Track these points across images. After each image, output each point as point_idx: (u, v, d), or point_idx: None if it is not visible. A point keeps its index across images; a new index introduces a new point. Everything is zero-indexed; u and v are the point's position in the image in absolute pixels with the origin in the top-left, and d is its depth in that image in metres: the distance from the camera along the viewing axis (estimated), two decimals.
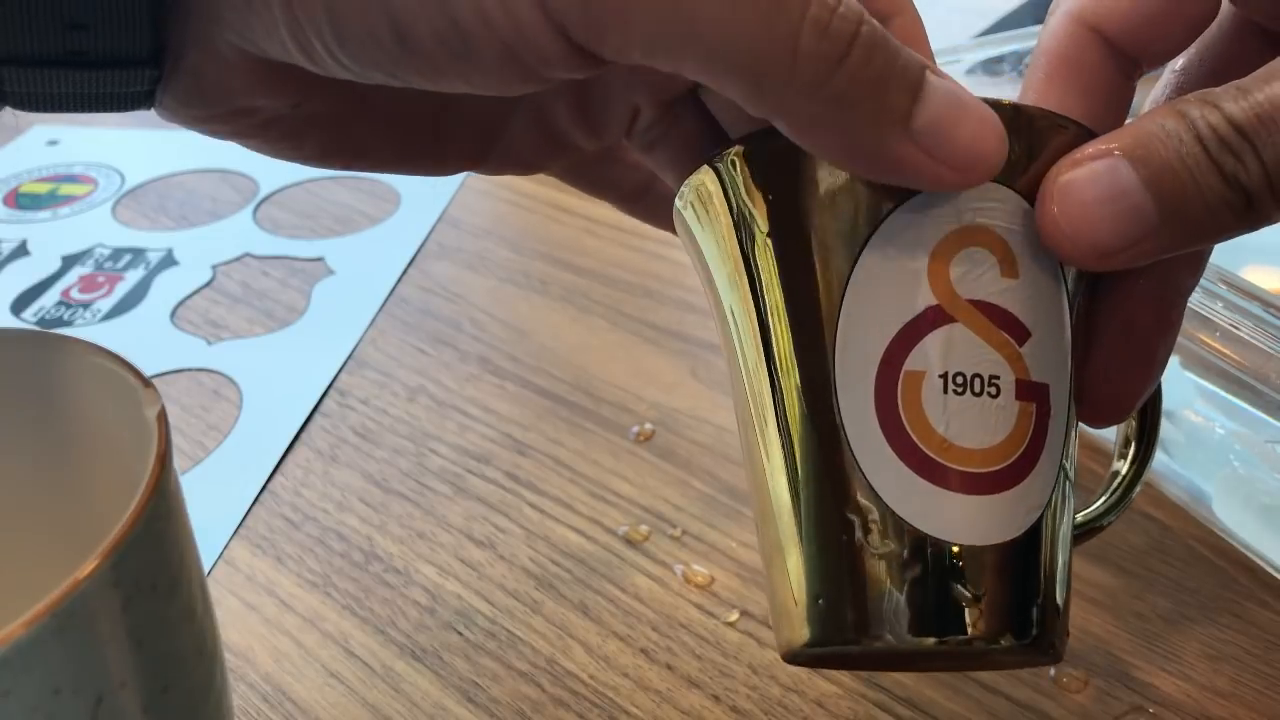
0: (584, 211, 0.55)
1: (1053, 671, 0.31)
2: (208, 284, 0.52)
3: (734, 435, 0.40)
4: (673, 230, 0.26)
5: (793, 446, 0.21)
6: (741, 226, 0.22)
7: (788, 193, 0.21)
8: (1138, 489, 0.27)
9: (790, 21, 0.18)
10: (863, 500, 0.20)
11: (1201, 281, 0.31)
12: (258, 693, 0.32)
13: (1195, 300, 0.31)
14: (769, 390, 0.22)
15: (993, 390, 0.20)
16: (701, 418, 0.41)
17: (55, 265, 0.54)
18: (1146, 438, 0.27)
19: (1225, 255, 0.33)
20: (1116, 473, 0.27)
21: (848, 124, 0.19)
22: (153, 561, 0.20)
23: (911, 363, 0.20)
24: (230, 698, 0.25)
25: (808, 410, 0.21)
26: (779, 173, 0.22)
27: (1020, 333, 0.21)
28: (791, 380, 0.21)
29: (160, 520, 0.20)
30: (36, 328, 0.49)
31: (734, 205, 0.22)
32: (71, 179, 0.63)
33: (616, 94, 0.27)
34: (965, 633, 0.20)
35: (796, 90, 0.19)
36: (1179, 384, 0.36)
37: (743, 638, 0.33)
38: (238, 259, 0.54)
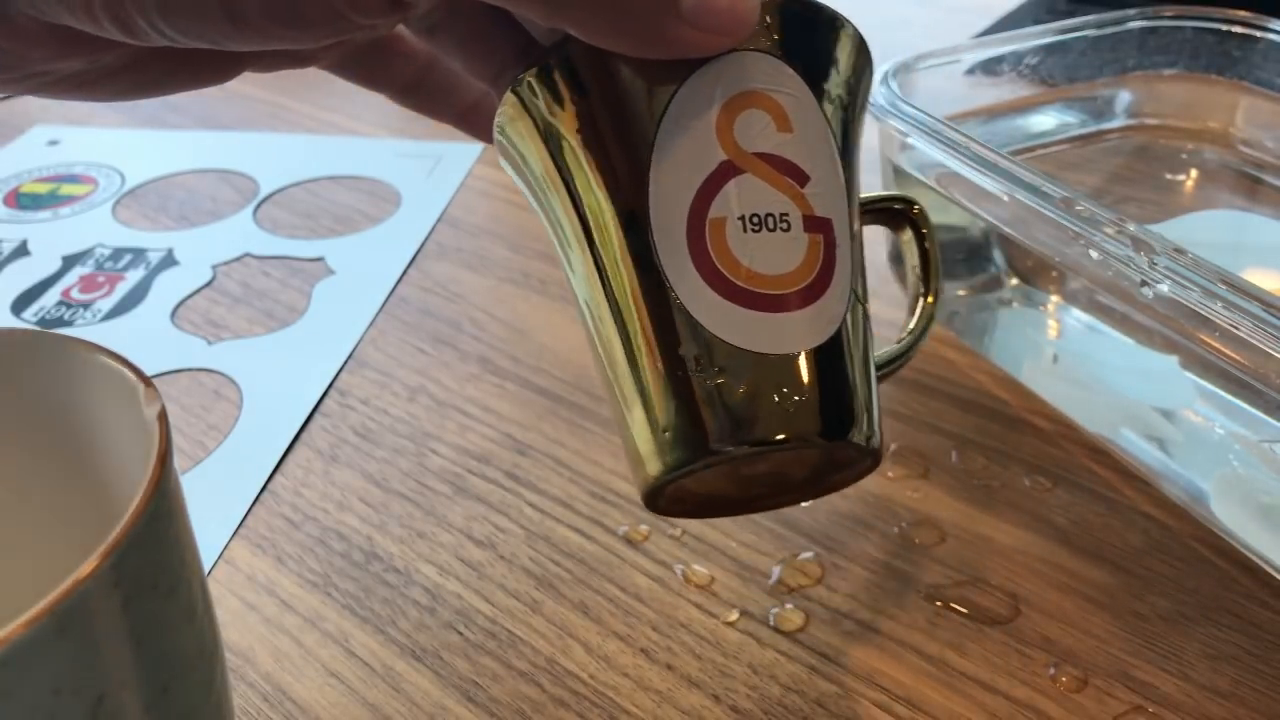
0: None
1: (1052, 670, 0.31)
2: (208, 284, 0.52)
3: None
4: (445, 121, 0.31)
5: (627, 312, 0.25)
6: (550, 138, 0.26)
7: (585, 93, 0.25)
8: (932, 325, 0.31)
9: None
10: (691, 335, 0.24)
11: (1201, 281, 0.31)
12: (258, 692, 0.32)
13: (1195, 300, 0.31)
14: (597, 271, 0.25)
15: (784, 225, 0.24)
16: None
17: (56, 265, 0.54)
18: (931, 278, 0.31)
19: (1225, 255, 0.33)
20: (913, 312, 0.31)
21: (628, 19, 0.23)
22: (153, 561, 0.20)
23: (714, 211, 0.24)
24: (231, 697, 0.25)
25: (635, 274, 0.24)
26: (575, 77, 0.25)
27: (801, 177, 0.24)
28: (616, 253, 0.25)
29: (161, 520, 0.20)
30: (37, 327, 0.49)
31: (540, 121, 0.26)
32: (72, 179, 0.63)
33: None
34: (793, 430, 0.24)
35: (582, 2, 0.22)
36: (1179, 384, 0.36)
37: (743, 638, 0.33)
38: (238, 259, 0.54)
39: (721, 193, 0.24)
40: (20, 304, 0.51)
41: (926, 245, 0.31)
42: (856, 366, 0.25)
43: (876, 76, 0.43)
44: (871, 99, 0.42)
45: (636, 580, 0.35)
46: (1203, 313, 0.31)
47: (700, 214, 0.24)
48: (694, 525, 0.36)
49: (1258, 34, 0.48)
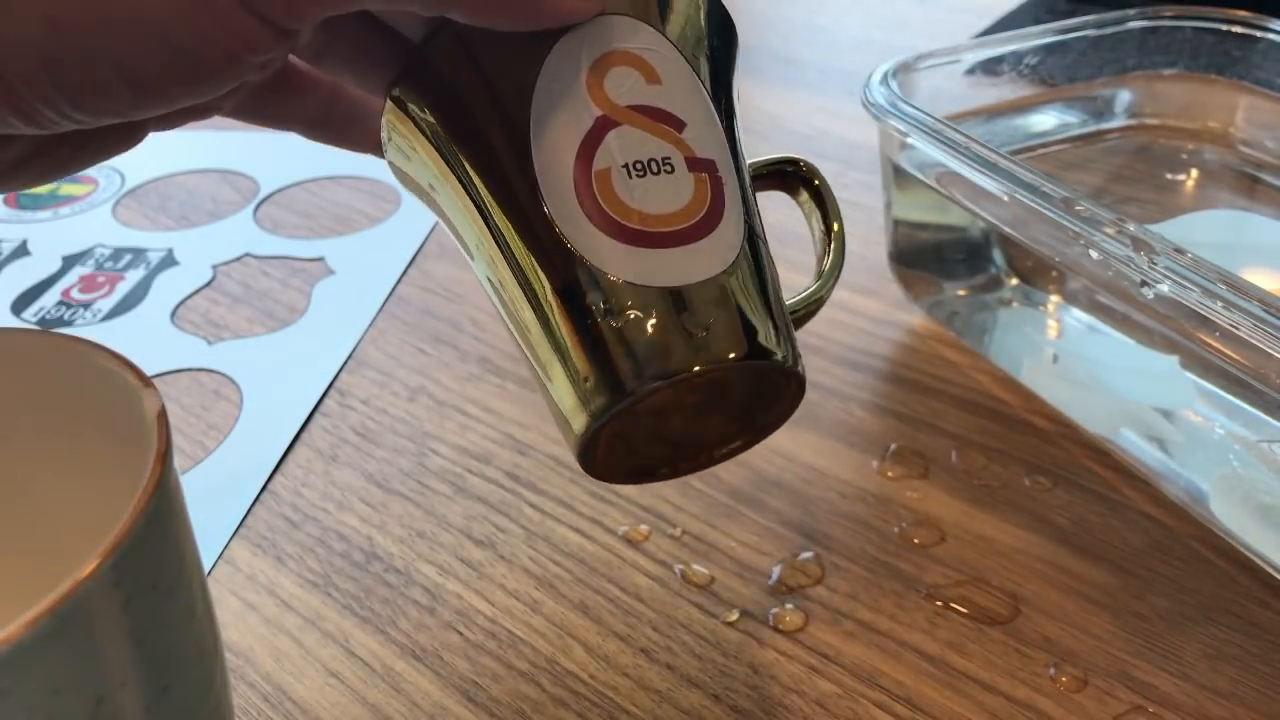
0: None
1: (1052, 670, 0.31)
2: (208, 284, 0.52)
3: None
4: (363, 150, 0.31)
5: (530, 277, 0.25)
6: (433, 132, 0.27)
7: (458, 81, 0.26)
8: (839, 270, 0.31)
9: None
10: (595, 284, 0.24)
11: (1201, 281, 0.31)
12: (258, 692, 0.32)
13: (1195, 300, 0.31)
14: (497, 248, 0.26)
15: (668, 168, 0.25)
16: None
17: (56, 265, 0.54)
18: (830, 223, 0.31)
19: (1225, 255, 0.33)
20: (821, 253, 0.31)
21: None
22: (153, 561, 0.20)
23: (598, 164, 0.25)
24: (231, 697, 0.25)
25: (534, 240, 0.25)
26: (445, 68, 0.26)
27: (676, 123, 0.26)
28: (513, 225, 0.25)
29: (161, 520, 0.20)
30: (37, 327, 0.49)
31: (420, 120, 0.27)
32: (72, 179, 0.63)
33: None
34: (707, 356, 0.24)
35: None
36: (1179, 384, 0.36)
37: (743, 637, 0.33)
38: (238, 259, 0.54)
39: (603, 146, 0.25)
40: (20, 304, 0.51)
41: (822, 192, 0.31)
42: (761, 294, 0.26)
43: (876, 76, 0.43)
44: (871, 99, 0.42)
45: (636, 580, 0.35)
46: (1203, 313, 0.31)
47: (585, 169, 0.25)
48: (694, 525, 0.36)
49: (1258, 34, 0.48)
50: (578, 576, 0.35)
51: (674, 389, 0.25)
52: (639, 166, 0.25)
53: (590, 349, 0.25)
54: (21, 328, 0.48)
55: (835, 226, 0.31)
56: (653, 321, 0.24)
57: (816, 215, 0.31)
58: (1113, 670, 0.31)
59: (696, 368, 0.24)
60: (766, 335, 0.25)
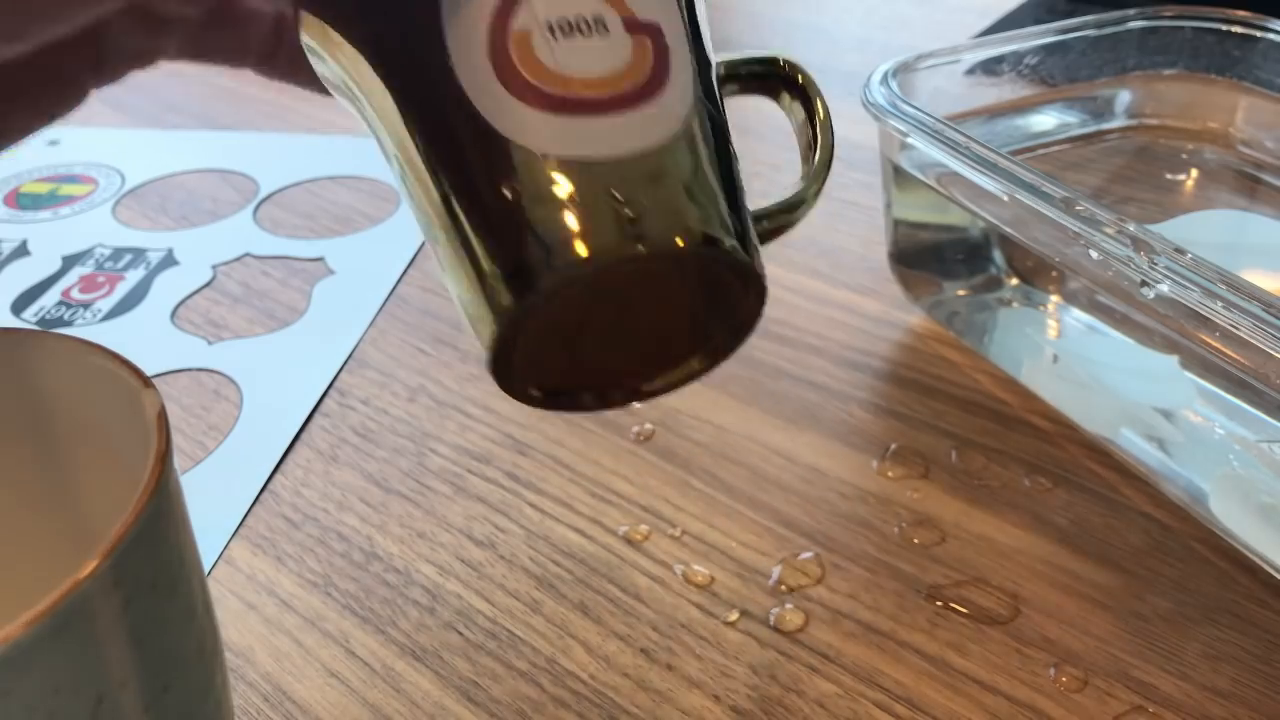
0: None
1: (1052, 670, 0.31)
2: (208, 284, 0.52)
3: (735, 435, 0.40)
4: (312, 90, 0.28)
5: (449, 162, 0.22)
6: (343, 12, 0.24)
7: None
8: (828, 175, 0.28)
9: None
10: (513, 160, 0.21)
11: (1202, 281, 0.31)
12: (258, 692, 0.32)
13: (1196, 300, 0.31)
14: (410, 135, 0.23)
15: (601, 29, 0.22)
16: (702, 418, 0.41)
17: (55, 265, 0.54)
18: (815, 121, 0.28)
19: (1225, 255, 0.33)
20: (805, 156, 0.28)
21: None
22: (153, 561, 0.20)
23: (517, 26, 0.22)
24: (230, 697, 0.25)
25: (439, 110, 0.22)
26: None
27: None
28: (420, 97, 0.22)
29: (160, 520, 0.20)
30: (37, 327, 0.49)
31: (331, 15, 0.24)
32: (72, 179, 0.63)
33: None
34: (640, 237, 0.21)
35: None
36: (1179, 384, 0.36)
37: (743, 638, 0.33)
38: (238, 259, 0.54)
39: (523, 2, 0.22)
40: (20, 304, 0.51)
41: (807, 90, 0.27)
42: (716, 176, 0.23)
43: (876, 76, 0.43)
44: (871, 99, 0.42)
45: (636, 580, 0.35)
46: (1203, 313, 0.31)
47: (501, 32, 0.22)
48: (694, 525, 0.36)
49: (1258, 34, 0.48)
50: (578, 576, 0.35)
51: (599, 283, 0.22)
52: (565, 26, 0.22)
53: (501, 234, 0.22)
54: (21, 328, 0.48)
55: (821, 113, 0.27)
56: (574, 199, 0.21)
57: (801, 113, 0.27)
58: (1113, 670, 0.31)
59: (630, 250, 0.21)
60: (715, 221, 0.22)
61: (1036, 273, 0.42)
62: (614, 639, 0.33)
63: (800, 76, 0.27)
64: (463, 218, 0.22)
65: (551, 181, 0.21)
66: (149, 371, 0.23)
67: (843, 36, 0.76)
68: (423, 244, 0.54)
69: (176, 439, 0.42)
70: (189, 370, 0.46)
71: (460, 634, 0.33)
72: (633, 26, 0.22)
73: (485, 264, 0.22)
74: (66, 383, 0.24)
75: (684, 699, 0.31)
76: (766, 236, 0.26)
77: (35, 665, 0.18)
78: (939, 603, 0.33)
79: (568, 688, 0.31)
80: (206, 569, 0.36)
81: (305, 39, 0.25)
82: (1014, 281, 0.44)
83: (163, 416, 0.22)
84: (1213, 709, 0.30)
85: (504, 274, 0.22)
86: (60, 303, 0.51)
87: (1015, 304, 0.44)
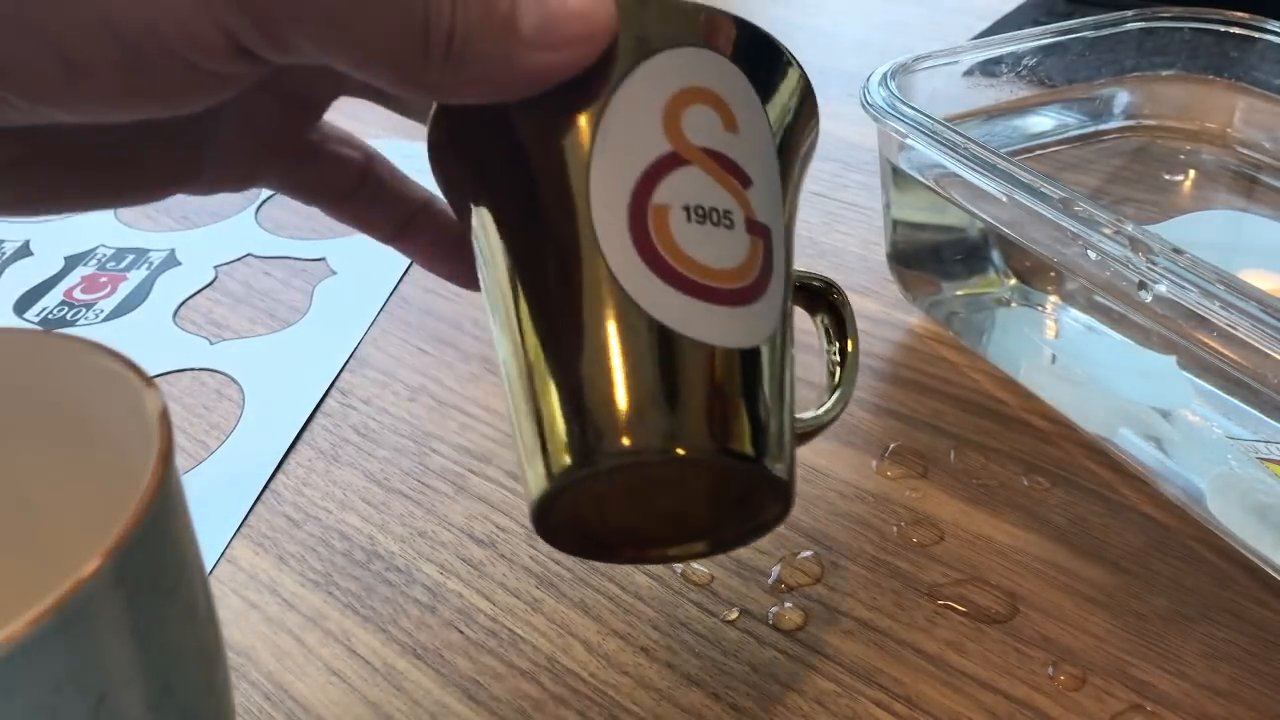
0: None
1: (1050, 669, 0.31)
2: (210, 284, 0.52)
3: None
4: (380, 238, 0.30)
5: (556, 298, 0.23)
6: (487, 143, 0.25)
7: (503, 117, 0.24)
8: (851, 389, 0.29)
9: (411, 18, 0.20)
10: (629, 318, 0.22)
11: (1199, 282, 0.31)
12: (260, 691, 0.32)
13: (1193, 300, 0.31)
14: (532, 264, 0.24)
15: (728, 222, 0.23)
16: None
17: (58, 265, 0.54)
18: (846, 345, 0.30)
19: (1223, 256, 0.33)
20: (831, 373, 0.30)
21: (481, 73, 0.21)
22: (155, 560, 0.20)
23: (658, 198, 0.23)
24: (232, 696, 0.25)
25: (570, 253, 0.23)
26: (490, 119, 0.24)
27: (744, 179, 0.24)
28: (554, 231, 0.23)
29: (163, 519, 0.20)
30: (39, 327, 0.49)
31: (474, 131, 0.25)
32: None
33: (314, 77, 0.27)
34: (703, 441, 0.22)
35: (430, 71, 0.21)
36: (1177, 384, 0.37)
37: (742, 636, 0.33)
38: (240, 259, 0.54)
39: (666, 181, 0.23)
40: (23, 304, 0.51)
41: (844, 316, 0.29)
42: (779, 389, 0.24)
43: (875, 78, 0.43)
44: (870, 100, 0.42)
45: (636, 579, 0.35)
46: (1200, 313, 0.31)
47: (643, 199, 0.23)
48: None
49: (1255, 34, 0.48)
50: (578, 575, 0.35)
51: (648, 469, 0.23)
52: (700, 211, 0.23)
53: (574, 397, 0.22)
54: (24, 328, 0.49)
55: (851, 346, 0.29)
56: (660, 376, 0.22)
57: (833, 335, 0.29)
58: (1111, 669, 0.31)
59: (687, 450, 0.22)
60: (769, 437, 0.23)
61: (1035, 273, 0.43)
62: (614, 637, 0.33)
63: (846, 309, 0.29)
64: (543, 365, 0.23)
65: (656, 354, 0.22)
66: (151, 371, 0.23)
67: (842, 38, 0.76)
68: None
69: (178, 439, 0.42)
70: (191, 370, 0.46)
71: (461, 632, 0.33)
72: (752, 228, 0.24)
73: (553, 423, 0.23)
74: (69, 382, 0.24)
75: (684, 697, 0.31)
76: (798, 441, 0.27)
77: (37, 664, 0.18)
78: (938, 601, 0.33)
79: (568, 686, 0.31)
80: (208, 568, 0.36)
81: (432, 136, 0.26)
82: (1012, 282, 0.44)
83: (165, 416, 0.22)
84: (1210, 707, 0.30)
85: (568, 441, 0.22)
86: (63, 303, 0.51)
87: (1014, 304, 0.44)
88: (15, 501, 0.26)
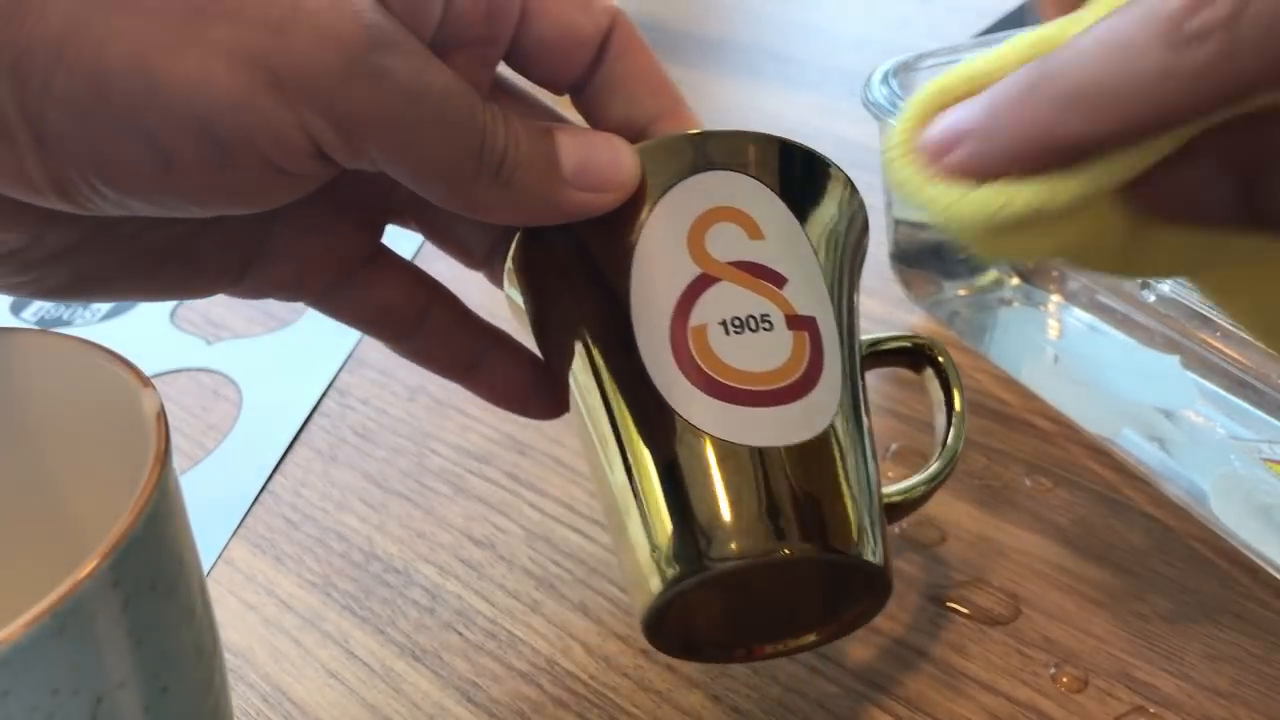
0: None
1: (1053, 670, 0.31)
2: None
3: None
4: (450, 377, 0.32)
5: (623, 429, 0.25)
6: (541, 288, 0.28)
7: (561, 243, 0.26)
8: (956, 458, 0.30)
9: (471, 143, 0.23)
10: (687, 438, 0.24)
11: None
12: (257, 692, 0.32)
13: (1195, 300, 0.31)
14: (600, 398, 0.26)
15: (767, 325, 0.25)
16: None
17: None
18: (952, 402, 0.31)
19: None
20: (942, 441, 0.31)
21: (526, 200, 0.24)
22: (152, 561, 0.20)
23: (695, 320, 0.25)
24: (229, 697, 0.25)
25: (628, 392, 0.25)
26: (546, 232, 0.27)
27: (777, 279, 0.25)
28: (609, 377, 0.26)
29: (160, 520, 0.20)
30: (36, 327, 0.49)
31: (531, 273, 0.28)
32: None
33: (362, 198, 0.29)
34: (795, 540, 0.24)
35: (479, 189, 0.24)
36: (1180, 384, 0.36)
37: None
38: None
39: (699, 302, 0.25)
40: (20, 303, 0.51)
41: (945, 370, 0.31)
42: (852, 472, 0.25)
43: (876, 75, 0.43)
44: (872, 98, 0.42)
45: None
46: (1203, 313, 0.31)
47: (681, 325, 0.24)
48: None
49: None
50: (578, 577, 0.35)
51: (743, 574, 0.24)
52: (736, 323, 0.24)
53: (673, 505, 0.24)
54: (20, 327, 0.48)
55: (958, 405, 0.30)
56: (733, 488, 0.24)
57: (939, 394, 0.31)
58: (1113, 670, 0.31)
59: (771, 555, 0.23)
60: (853, 526, 0.25)
61: (1037, 272, 0.42)
62: (614, 639, 0.33)
63: (941, 357, 0.31)
64: (641, 484, 0.25)
65: (716, 467, 0.24)
66: (148, 371, 0.23)
67: (843, 35, 0.76)
68: (423, 243, 0.54)
69: (176, 439, 0.41)
70: (188, 370, 0.46)
71: (460, 634, 0.33)
72: (794, 323, 0.25)
73: (657, 533, 0.24)
74: (66, 382, 0.24)
75: (684, 699, 0.31)
76: (895, 515, 0.29)
77: (35, 665, 0.18)
78: (940, 603, 0.33)
79: (567, 688, 0.31)
80: (206, 569, 0.36)
81: (509, 279, 0.29)
82: (1015, 281, 0.44)
83: (162, 416, 0.22)
84: (1213, 709, 0.30)
85: (666, 556, 0.24)
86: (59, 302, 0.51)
87: (1016, 304, 0.44)
88: (11, 501, 0.26)
